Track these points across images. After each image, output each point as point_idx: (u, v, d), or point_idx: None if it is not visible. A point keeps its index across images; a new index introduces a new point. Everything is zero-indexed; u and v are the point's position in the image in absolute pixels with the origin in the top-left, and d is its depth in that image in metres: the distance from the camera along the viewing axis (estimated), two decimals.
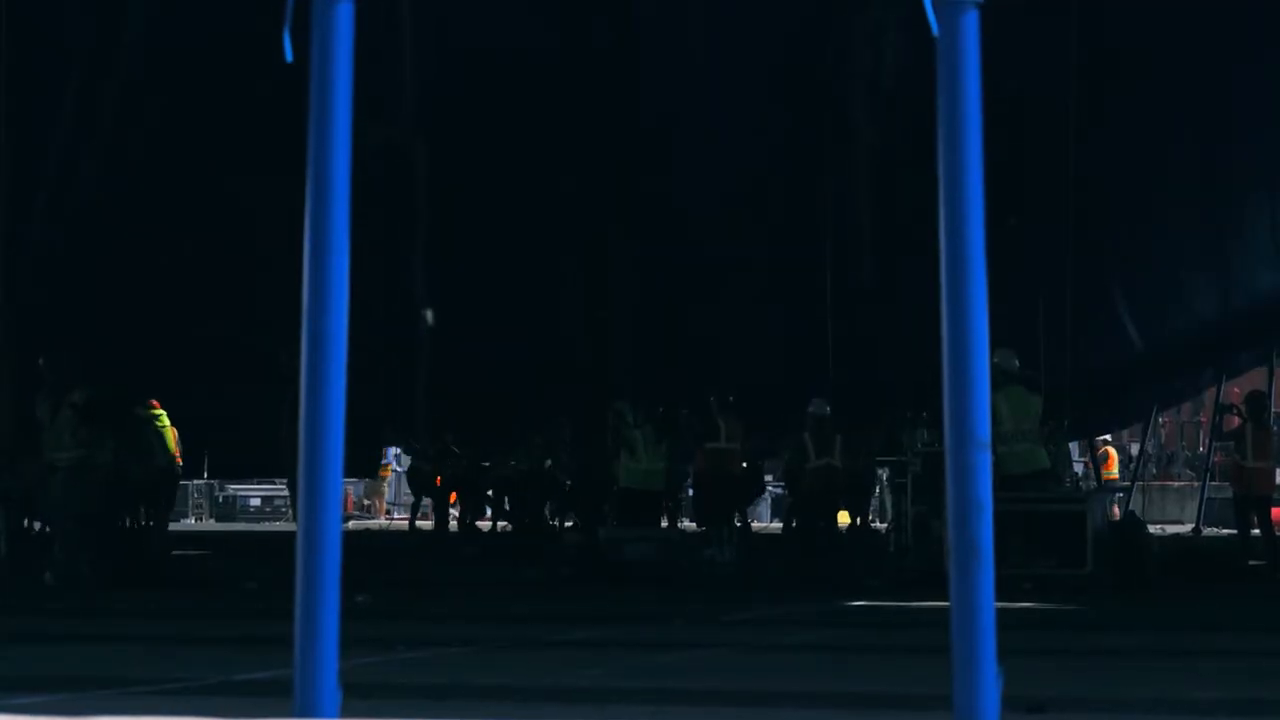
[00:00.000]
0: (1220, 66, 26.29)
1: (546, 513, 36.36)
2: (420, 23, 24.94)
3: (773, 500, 39.02)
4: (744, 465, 26.34)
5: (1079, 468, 36.11)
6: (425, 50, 25.79)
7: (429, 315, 30.51)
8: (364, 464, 34.44)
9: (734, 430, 24.02)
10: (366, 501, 45.32)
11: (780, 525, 36.30)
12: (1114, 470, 41.73)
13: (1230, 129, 27.35)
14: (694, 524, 27.82)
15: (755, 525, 36.21)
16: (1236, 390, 31.94)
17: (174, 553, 21.93)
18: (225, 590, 17.96)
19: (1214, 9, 25.74)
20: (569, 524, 31.59)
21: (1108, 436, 44.26)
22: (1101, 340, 28.25)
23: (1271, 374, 33.53)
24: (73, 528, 17.97)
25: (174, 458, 29.11)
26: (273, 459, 22.96)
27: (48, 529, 31.45)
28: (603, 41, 28.78)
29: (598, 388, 28.79)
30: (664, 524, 32.25)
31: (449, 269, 30.05)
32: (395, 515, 44.66)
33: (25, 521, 29.66)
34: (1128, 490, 37.48)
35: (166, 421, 28.65)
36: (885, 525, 30.55)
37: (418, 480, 35.83)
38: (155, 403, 28.66)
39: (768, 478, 36.72)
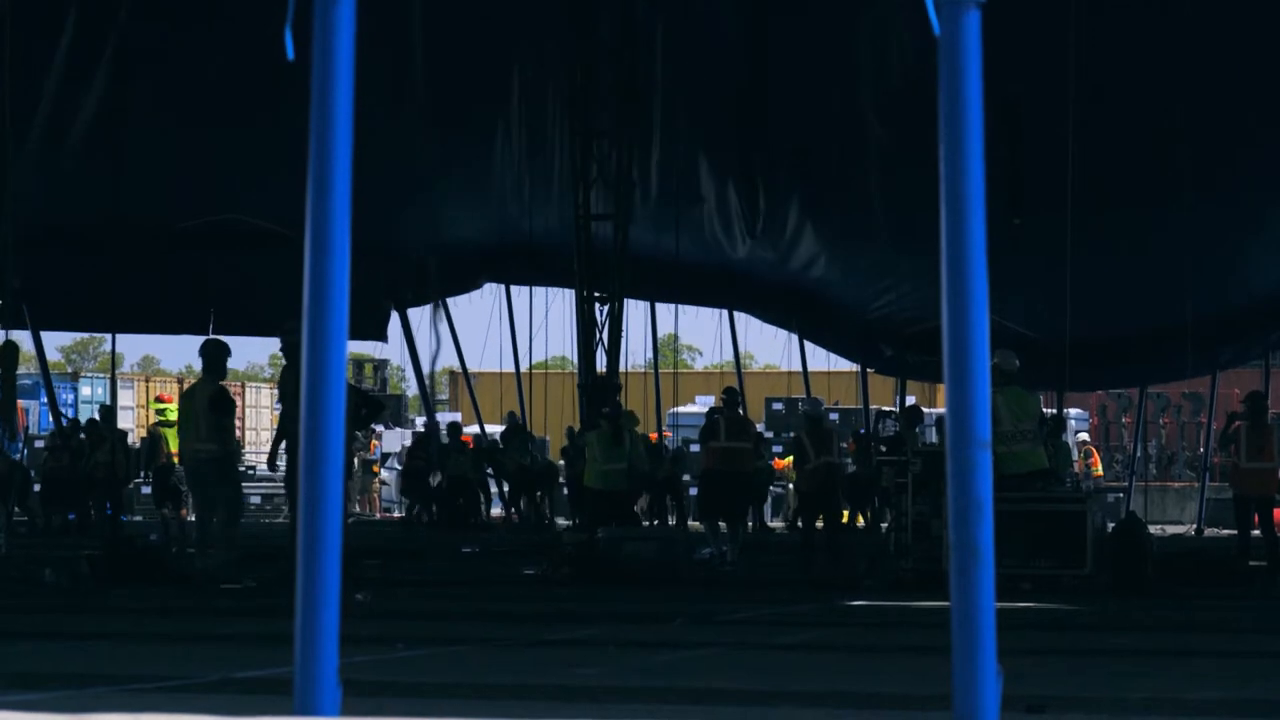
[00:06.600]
0: (1225, 59, 26.30)
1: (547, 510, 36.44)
2: None
3: (773, 499, 39.00)
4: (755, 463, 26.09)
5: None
6: None
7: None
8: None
9: (737, 428, 23.77)
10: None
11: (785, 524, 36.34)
12: (1098, 468, 41.71)
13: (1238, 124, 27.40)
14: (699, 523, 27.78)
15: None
16: (1237, 391, 31.94)
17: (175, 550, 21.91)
18: (225, 588, 17.94)
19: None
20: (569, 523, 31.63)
21: (1086, 436, 44.27)
22: (1097, 312, 28.20)
23: (1268, 372, 33.54)
24: (205, 517, 18.30)
25: (170, 455, 28.95)
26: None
27: (38, 523, 31.57)
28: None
29: (597, 391, 28.77)
30: (671, 523, 32.31)
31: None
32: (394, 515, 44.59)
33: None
34: (1126, 491, 37.51)
35: (172, 417, 28.55)
36: (885, 525, 30.57)
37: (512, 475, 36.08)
38: (167, 397, 28.57)
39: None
